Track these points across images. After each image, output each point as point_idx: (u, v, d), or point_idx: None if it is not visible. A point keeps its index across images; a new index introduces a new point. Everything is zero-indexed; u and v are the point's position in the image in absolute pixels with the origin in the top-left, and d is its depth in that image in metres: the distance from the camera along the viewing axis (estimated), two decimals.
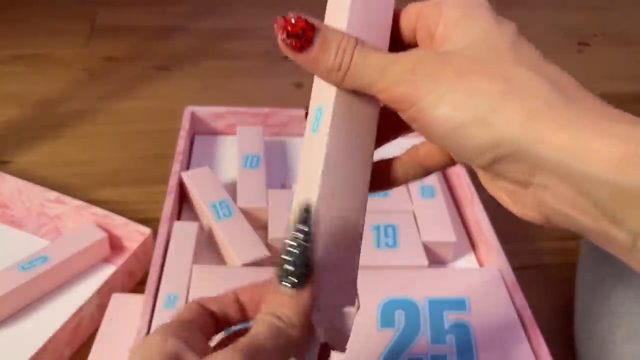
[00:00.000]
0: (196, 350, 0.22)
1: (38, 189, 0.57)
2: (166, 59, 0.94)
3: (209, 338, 0.25)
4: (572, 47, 1.11)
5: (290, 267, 0.24)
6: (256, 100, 0.83)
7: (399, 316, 0.44)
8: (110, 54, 0.94)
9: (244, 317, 0.27)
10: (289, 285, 0.23)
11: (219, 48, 0.99)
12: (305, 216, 0.25)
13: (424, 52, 0.26)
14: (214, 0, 1.15)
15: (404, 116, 0.25)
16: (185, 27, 1.05)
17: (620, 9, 1.27)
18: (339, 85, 0.26)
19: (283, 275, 0.24)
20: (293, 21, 0.25)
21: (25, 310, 0.50)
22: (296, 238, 0.24)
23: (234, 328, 0.27)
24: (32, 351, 0.43)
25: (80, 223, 0.56)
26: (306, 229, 0.24)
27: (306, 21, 0.25)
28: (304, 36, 0.25)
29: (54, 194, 0.57)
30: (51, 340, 0.44)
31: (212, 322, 0.25)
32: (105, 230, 0.55)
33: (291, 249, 0.24)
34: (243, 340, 0.22)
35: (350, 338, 0.42)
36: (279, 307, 0.23)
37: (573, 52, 1.10)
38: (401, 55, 0.25)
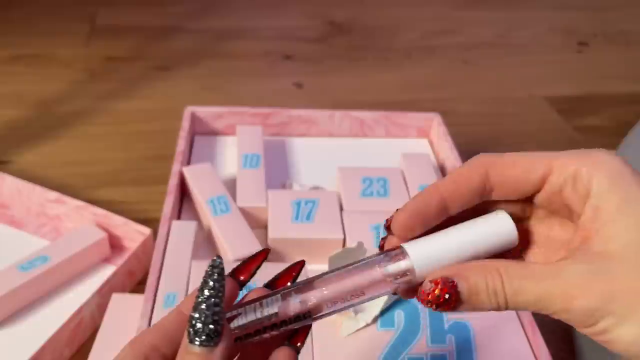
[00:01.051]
0: None
1: (38, 189, 0.57)
2: (166, 59, 0.95)
3: None
4: (571, 47, 1.11)
5: (199, 326, 0.22)
6: (256, 100, 0.83)
7: (399, 316, 0.44)
8: (111, 54, 0.94)
9: None
10: (198, 344, 0.22)
11: (219, 48, 0.99)
12: (214, 271, 0.23)
13: (583, 268, 0.23)
14: (214, 1, 1.15)
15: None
16: (185, 27, 1.05)
17: (620, 9, 1.27)
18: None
19: (192, 334, 0.22)
20: (437, 293, 0.24)
21: (25, 310, 0.50)
22: (204, 295, 0.22)
23: None
24: (32, 351, 0.43)
25: (80, 223, 0.57)
26: (215, 285, 0.22)
27: (449, 285, 0.24)
28: (452, 299, 0.24)
29: (54, 194, 0.57)
30: (51, 340, 0.44)
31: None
32: (105, 230, 0.55)
33: (200, 306, 0.22)
34: None
35: (350, 338, 0.42)
36: None
37: (573, 52, 1.10)
38: (557, 276, 0.23)
